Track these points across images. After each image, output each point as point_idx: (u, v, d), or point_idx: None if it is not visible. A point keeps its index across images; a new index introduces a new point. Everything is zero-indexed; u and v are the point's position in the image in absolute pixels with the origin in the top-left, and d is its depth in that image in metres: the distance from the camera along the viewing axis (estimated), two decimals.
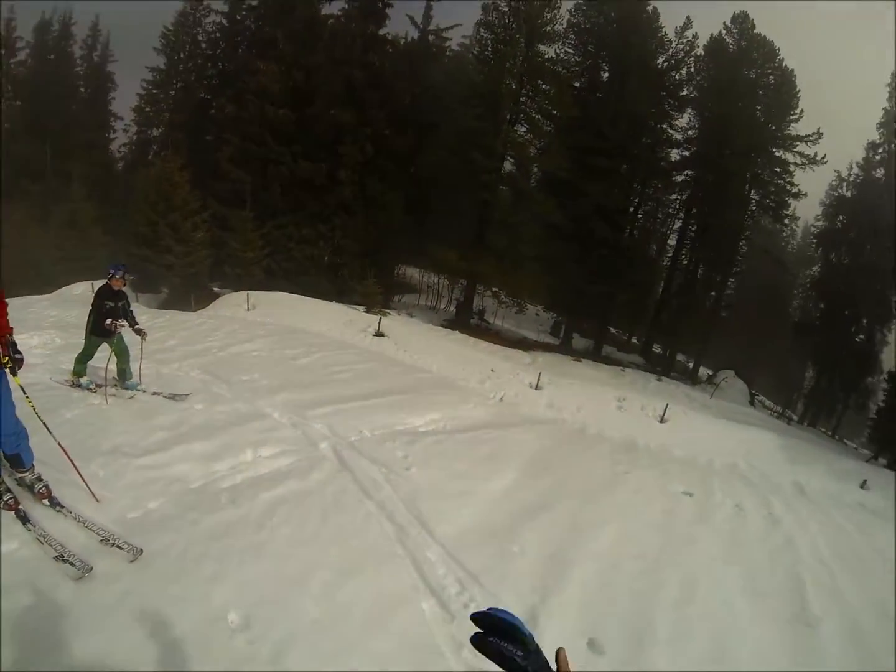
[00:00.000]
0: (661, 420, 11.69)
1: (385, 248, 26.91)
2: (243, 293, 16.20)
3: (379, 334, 14.13)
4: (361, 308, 18.61)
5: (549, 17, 23.02)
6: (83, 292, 16.64)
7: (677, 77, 26.86)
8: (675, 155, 28.03)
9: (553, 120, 24.08)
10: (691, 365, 28.86)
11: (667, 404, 12.15)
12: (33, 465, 3.88)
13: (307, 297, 17.39)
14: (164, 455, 4.93)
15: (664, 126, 27.09)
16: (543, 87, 23.36)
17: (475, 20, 26.96)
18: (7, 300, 3.68)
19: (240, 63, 30.87)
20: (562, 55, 26.42)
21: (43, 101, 34.49)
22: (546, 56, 23.84)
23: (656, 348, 29.97)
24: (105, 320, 6.06)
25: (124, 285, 6.44)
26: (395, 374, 10.42)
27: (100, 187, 31.64)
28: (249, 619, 3.30)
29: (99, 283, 6.60)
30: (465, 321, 23.98)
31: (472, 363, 13.15)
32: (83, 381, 6.39)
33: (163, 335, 9.78)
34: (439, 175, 24.76)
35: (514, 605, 4.03)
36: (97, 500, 3.98)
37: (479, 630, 1.08)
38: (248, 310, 14.91)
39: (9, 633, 2.79)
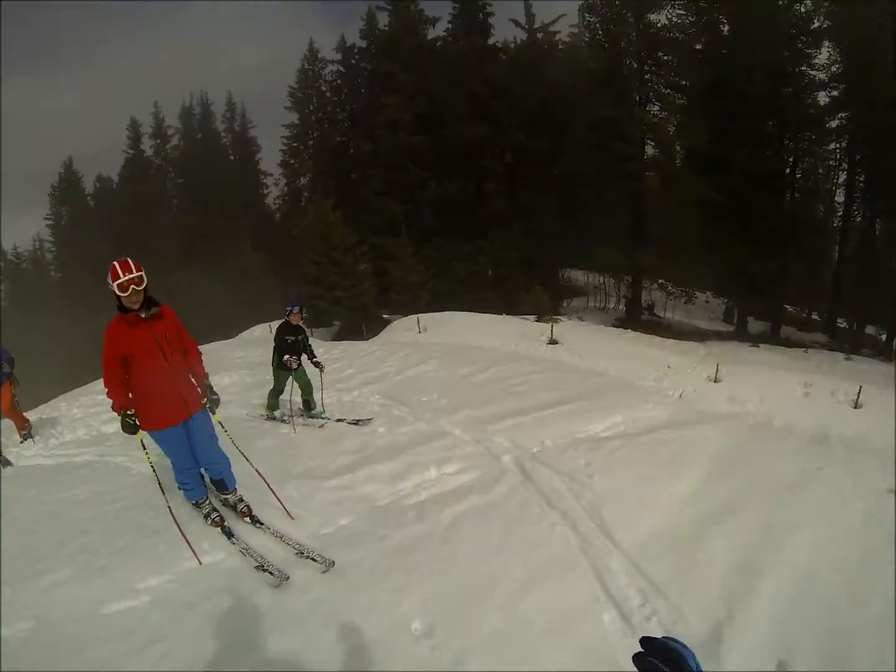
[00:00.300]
0: (856, 405, 10.15)
1: (545, 254, 26.76)
2: (413, 317, 16.75)
3: (552, 342, 13.98)
4: (532, 318, 18.45)
5: None
6: (261, 334, 18.62)
7: (803, 9, 22.54)
8: (823, 98, 23.72)
9: (684, 91, 22.27)
10: (884, 337, 24.70)
11: (860, 386, 10.49)
12: (235, 489, 4.49)
13: (476, 314, 17.48)
14: (351, 477, 5.33)
15: (803, 68, 22.89)
16: (665, 58, 21.83)
17: (578, 6, 25.68)
18: (199, 348, 4.29)
19: (365, 102, 32.98)
20: (674, 19, 23.50)
21: (199, 174, 40.18)
22: (659, 24, 22.14)
23: (841, 322, 26.13)
24: (284, 356, 6.74)
25: (301, 320, 7.15)
26: (571, 380, 10.17)
27: (264, 239, 35.80)
28: (433, 628, 3.44)
29: (276, 324, 7.40)
30: (636, 318, 23.27)
31: (647, 361, 12.50)
32: (277, 413, 7.19)
33: (340, 365, 10.52)
34: (583, 172, 23.83)
35: (699, 620, 3.78)
36: (292, 518, 4.43)
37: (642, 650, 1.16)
38: (419, 332, 15.43)
39: (213, 631, 3.26)
